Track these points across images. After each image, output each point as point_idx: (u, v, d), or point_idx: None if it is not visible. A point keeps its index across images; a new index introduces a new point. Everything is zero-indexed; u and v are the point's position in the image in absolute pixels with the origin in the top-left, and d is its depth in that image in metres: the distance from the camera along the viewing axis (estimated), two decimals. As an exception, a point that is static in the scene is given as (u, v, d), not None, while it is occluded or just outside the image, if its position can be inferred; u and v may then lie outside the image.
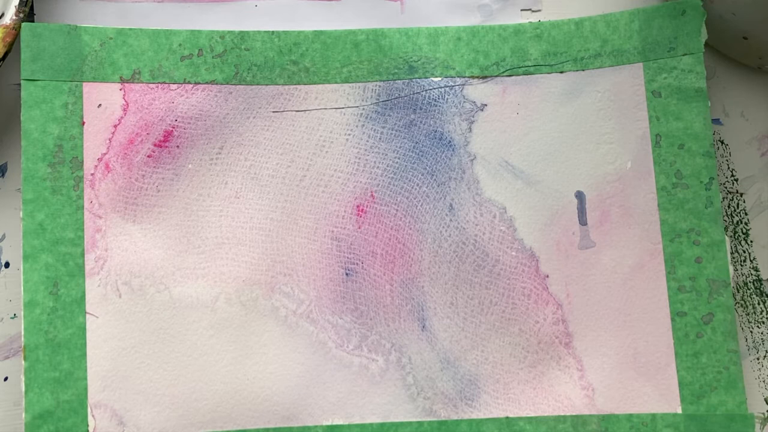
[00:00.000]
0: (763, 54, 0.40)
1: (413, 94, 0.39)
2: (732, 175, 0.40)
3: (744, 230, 0.40)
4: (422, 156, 0.39)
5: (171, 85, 0.38)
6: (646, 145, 0.39)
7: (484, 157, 0.39)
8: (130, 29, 0.38)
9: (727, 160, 0.41)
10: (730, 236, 0.40)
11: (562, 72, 0.39)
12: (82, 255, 0.37)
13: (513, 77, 0.39)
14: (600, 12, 0.40)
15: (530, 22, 0.39)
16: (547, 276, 0.38)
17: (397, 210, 0.38)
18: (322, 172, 0.39)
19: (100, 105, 0.38)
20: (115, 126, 0.38)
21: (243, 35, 0.38)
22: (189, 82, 0.38)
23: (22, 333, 0.36)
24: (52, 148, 0.37)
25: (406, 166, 0.39)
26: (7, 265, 0.39)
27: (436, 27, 0.39)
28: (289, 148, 0.39)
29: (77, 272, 0.37)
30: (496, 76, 0.39)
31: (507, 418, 0.37)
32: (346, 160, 0.39)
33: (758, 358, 0.39)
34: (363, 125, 0.39)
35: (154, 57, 0.38)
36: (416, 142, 0.39)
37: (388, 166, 0.39)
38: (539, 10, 0.41)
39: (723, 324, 0.37)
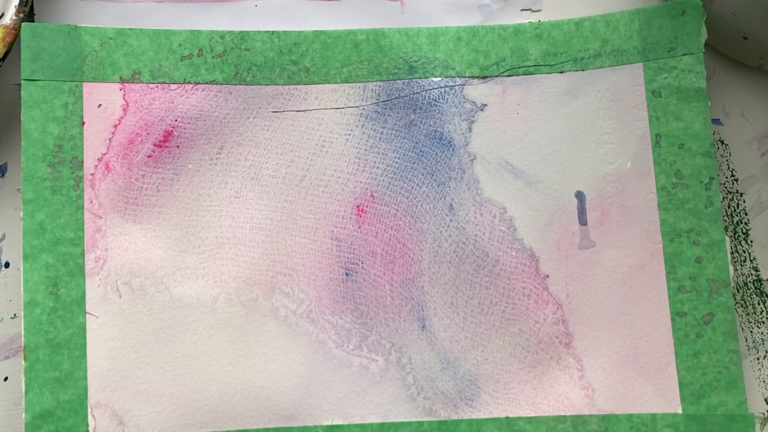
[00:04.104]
0: (763, 54, 0.40)
1: (413, 94, 0.39)
2: (732, 175, 0.40)
3: (744, 230, 0.40)
4: (422, 156, 0.39)
5: (171, 85, 0.38)
6: (646, 145, 0.39)
7: (484, 157, 0.39)
8: (130, 29, 0.38)
9: (727, 160, 0.41)
10: (730, 236, 0.40)
11: (562, 72, 0.39)
12: (82, 255, 0.37)
13: (513, 77, 0.39)
14: (600, 12, 0.40)
15: (530, 22, 0.39)
16: (547, 276, 0.38)
17: (397, 210, 0.38)
18: (322, 172, 0.39)
19: (100, 105, 0.38)
20: (115, 126, 0.38)
21: (243, 35, 0.38)
22: (189, 82, 0.38)
23: (22, 333, 0.36)
24: (52, 148, 0.37)
25: (406, 166, 0.39)
26: (7, 265, 0.39)
27: (436, 27, 0.39)
28: (289, 148, 0.39)
29: (77, 272, 0.37)
30: (496, 76, 0.39)
31: (507, 418, 0.37)
32: (346, 160, 0.39)
33: (758, 358, 0.39)
34: (363, 125, 0.39)
35: (154, 57, 0.38)
36: (416, 142, 0.39)
37: (388, 166, 0.39)
38: (539, 10, 0.41)
39: (723, 324, 0.37)
